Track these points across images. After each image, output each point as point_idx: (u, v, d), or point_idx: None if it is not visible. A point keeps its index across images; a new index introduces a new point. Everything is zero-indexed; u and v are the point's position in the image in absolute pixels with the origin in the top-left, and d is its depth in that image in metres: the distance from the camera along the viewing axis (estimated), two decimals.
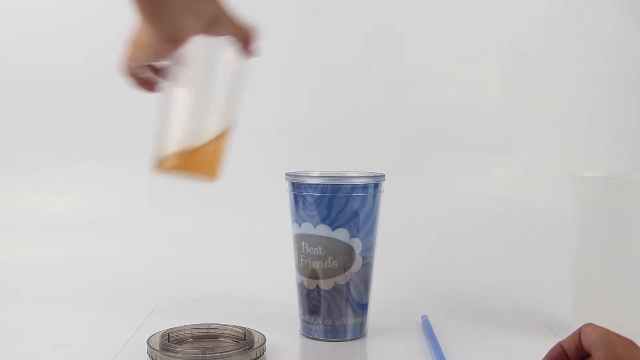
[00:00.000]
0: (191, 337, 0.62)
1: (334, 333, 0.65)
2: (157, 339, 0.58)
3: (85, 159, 1.34)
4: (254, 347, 0.58)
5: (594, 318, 0.61)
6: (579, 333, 0.45)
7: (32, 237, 1.04)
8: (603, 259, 0.62)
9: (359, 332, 0.66)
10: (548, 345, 0.47)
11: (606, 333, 0.43)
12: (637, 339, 0.43)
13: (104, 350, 0.60)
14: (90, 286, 0.88)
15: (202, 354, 0.55)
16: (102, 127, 1.35)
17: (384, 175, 0.66)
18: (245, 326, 0.62)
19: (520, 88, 1.36)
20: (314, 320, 0.65)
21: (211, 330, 0.63)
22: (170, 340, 0.60)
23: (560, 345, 0.47)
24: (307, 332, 0.66)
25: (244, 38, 0.60)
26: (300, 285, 0.66)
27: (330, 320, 0.64)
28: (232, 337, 0.62)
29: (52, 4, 1.38)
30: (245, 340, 0.59)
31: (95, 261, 1.00)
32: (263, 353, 0.59)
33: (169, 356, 0.55)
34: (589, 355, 0.44)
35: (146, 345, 0.58)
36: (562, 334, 0.48)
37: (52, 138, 1.35)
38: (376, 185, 0.65)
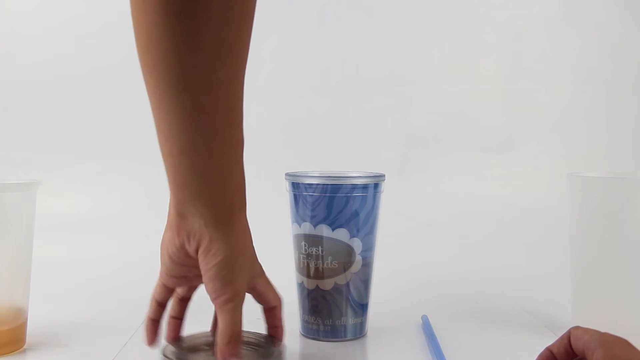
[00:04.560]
0: (205, 345, 0.59)
1: (334, 333, 0.65)
2: (171, 348, 0.56)
3: (85, 159, 1.34)
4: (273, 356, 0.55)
5: (594, 318, 0.61)
6: (567, 337, 0.45)
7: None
8: (603, 259, 0.62)
9: (359, 332, 0.66)
10: (548, 345, 0.47)
11: (601, 334, 0.43)
12: (638, 339, 0.43)
13: (104, 350, 0.60)
14: (90, 286, 0.88)
15: None
16: (102, 127, 1.36)
17: (384, 175, 0.66)
18: (249, 329, 0.61)
19: (520, 88, 1.36)
20: (314, 320, 0.65)
21: None
22: (183, 349, 0.57)
23: (549, 349, 0.46)
24: (307, 332, 0.66)
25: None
26: (300, 285, 0.66)
27: (330, 320, 0.64)
28: (250, 344, 0.59)
29: (53, 6, 1.38)
30: (263, 349, 0.57)
31: (96, 261, 1.00)
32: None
33: None
34: (580, 358, 0.44)
35: (161, 355, 0.56)
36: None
37: (52, 138, 1.35)
38: (376, 185, 0.65)
